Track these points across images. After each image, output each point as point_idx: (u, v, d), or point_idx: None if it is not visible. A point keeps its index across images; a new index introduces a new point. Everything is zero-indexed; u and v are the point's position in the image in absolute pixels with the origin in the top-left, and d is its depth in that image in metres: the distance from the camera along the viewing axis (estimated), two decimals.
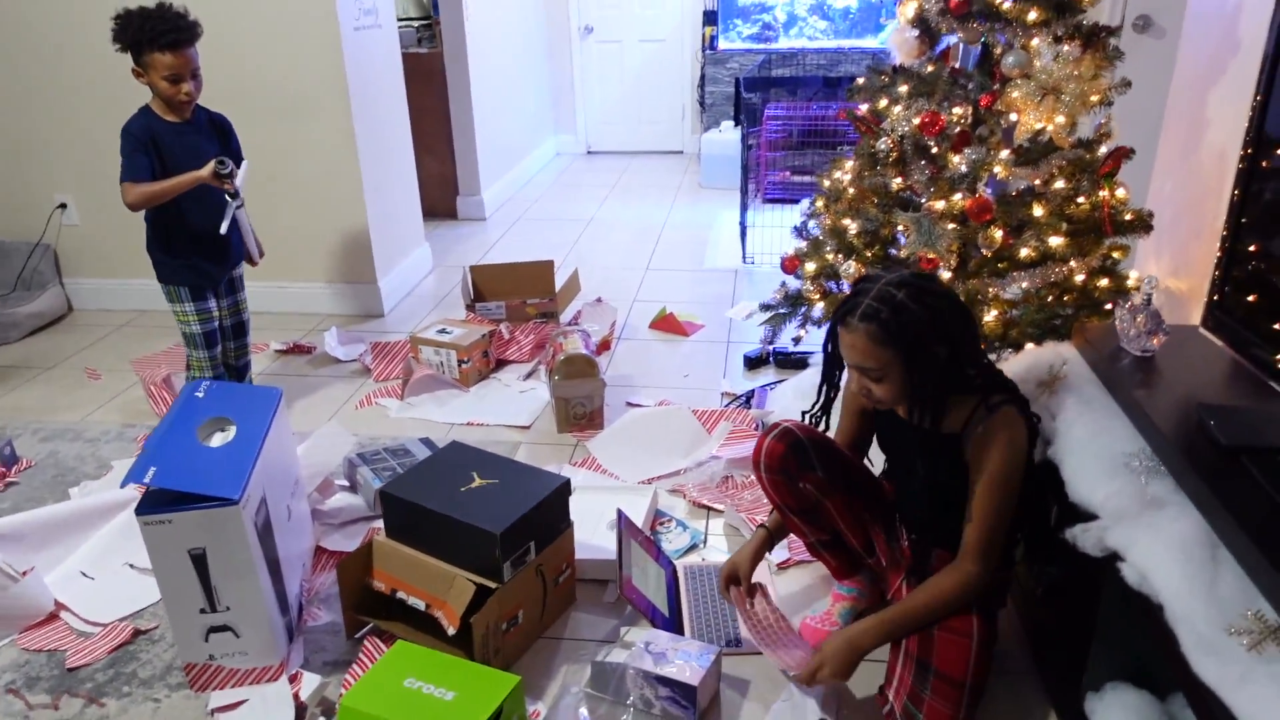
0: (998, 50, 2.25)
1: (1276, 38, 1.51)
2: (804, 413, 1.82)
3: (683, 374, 3.28)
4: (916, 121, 2.30)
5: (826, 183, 2.67)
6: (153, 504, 1.72)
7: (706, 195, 5.80)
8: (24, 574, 2.06)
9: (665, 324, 3.67)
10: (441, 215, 5.31)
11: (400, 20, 4.80)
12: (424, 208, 4.45)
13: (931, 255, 2.25)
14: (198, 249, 2.61)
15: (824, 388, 1.77)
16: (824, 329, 2.04)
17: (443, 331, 3.24)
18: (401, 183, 4.12)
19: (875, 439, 1.90)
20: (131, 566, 2.23)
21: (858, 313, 1.54)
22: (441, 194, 5.29)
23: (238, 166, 2.51)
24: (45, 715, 1.82)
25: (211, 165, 2.42)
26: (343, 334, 3.62)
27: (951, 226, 2.27)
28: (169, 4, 2.35)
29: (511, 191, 5.90)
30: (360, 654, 1.93)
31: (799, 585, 2.12)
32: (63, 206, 3.86)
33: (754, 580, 1.92)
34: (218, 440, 1.87)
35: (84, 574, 2.22)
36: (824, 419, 1.80)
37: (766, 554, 1.96)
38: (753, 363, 3.27)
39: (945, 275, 2.30)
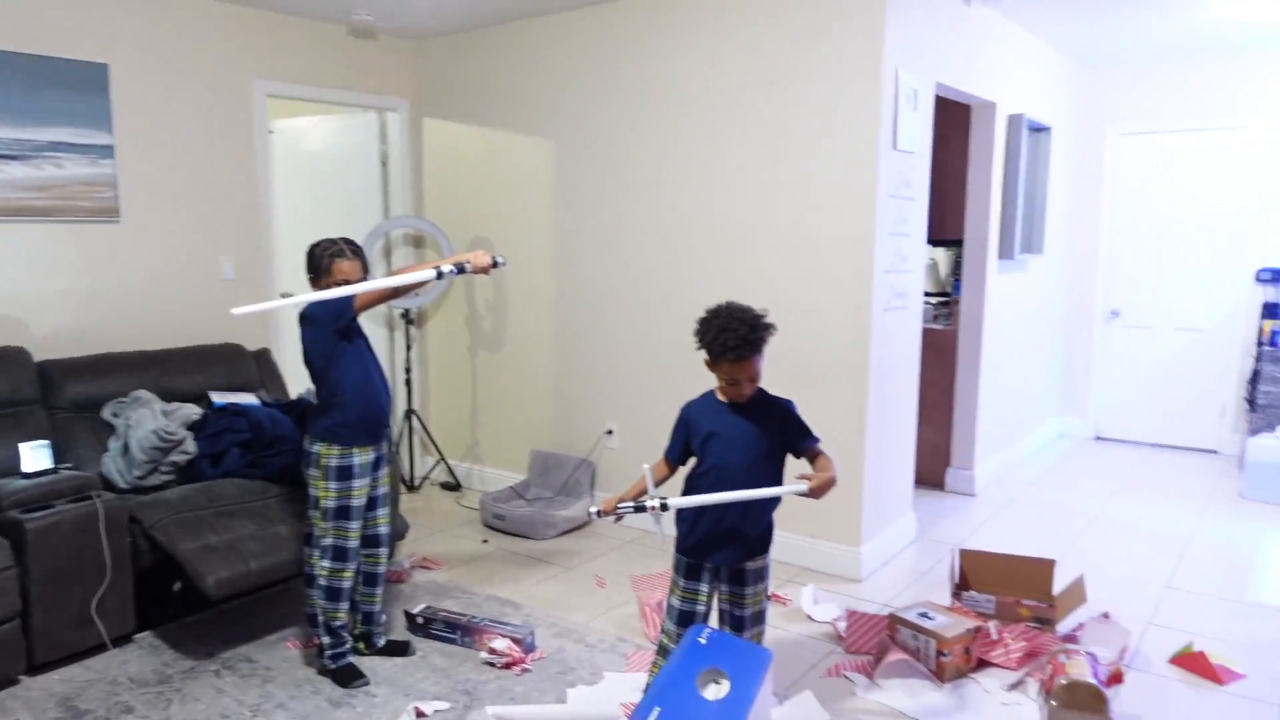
0: None
1: None
2: None
3: None
4: None
5: None
6: None
7: (1250, 510, 4.93)
8: None
9: (1192, 662, 3.08)
10: (928, 485, 5.22)
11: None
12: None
13: None
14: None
15: None
16: None
17: (924, 616, 3.09)
18: (898, 450, 4.17)
19: None
20: None
21: None
22: (931, 464, 5.23)
23: None
24: None
25: None
26: (818, 593, 3.64)
27: None
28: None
29: (1005, 470, 5.62)
30: None
31: None
32: (609, 432, 4.57)
33: None
34: (711, 693, 1.95)
35: None
36: None
37: None
38: None
39: None
